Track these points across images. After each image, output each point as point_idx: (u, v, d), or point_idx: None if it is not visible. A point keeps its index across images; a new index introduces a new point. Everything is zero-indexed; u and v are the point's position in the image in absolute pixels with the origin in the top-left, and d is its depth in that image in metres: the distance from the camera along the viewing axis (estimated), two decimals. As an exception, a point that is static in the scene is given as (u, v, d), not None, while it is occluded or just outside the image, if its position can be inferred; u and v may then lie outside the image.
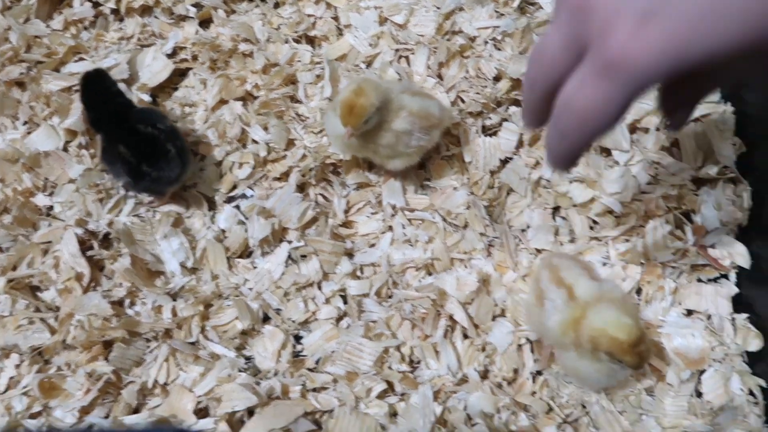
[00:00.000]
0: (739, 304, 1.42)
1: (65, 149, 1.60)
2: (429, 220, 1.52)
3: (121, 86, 1.60)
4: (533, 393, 1.35)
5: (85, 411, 1.30)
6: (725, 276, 1.45)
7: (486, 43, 1.69)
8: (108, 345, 1.38)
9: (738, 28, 0.60)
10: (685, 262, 1.43)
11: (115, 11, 1.79)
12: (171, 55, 1.73)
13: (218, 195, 1.56)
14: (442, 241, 1.48)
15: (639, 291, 1.45)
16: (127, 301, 1.44)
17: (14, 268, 1.46)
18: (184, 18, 1.80)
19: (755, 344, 1.37)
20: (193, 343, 1.40)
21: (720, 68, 0.73)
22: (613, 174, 1.51)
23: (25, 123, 1.65)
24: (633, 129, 1.57)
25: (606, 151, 1.56)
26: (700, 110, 1.53)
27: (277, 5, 1.81)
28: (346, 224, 1.55)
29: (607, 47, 0.65)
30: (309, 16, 1.78)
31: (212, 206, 1.57)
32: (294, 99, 1.67)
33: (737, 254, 1.43)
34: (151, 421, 1.30)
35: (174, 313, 1.41)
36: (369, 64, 1.71)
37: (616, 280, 1.43)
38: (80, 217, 1.49)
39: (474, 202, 1.50)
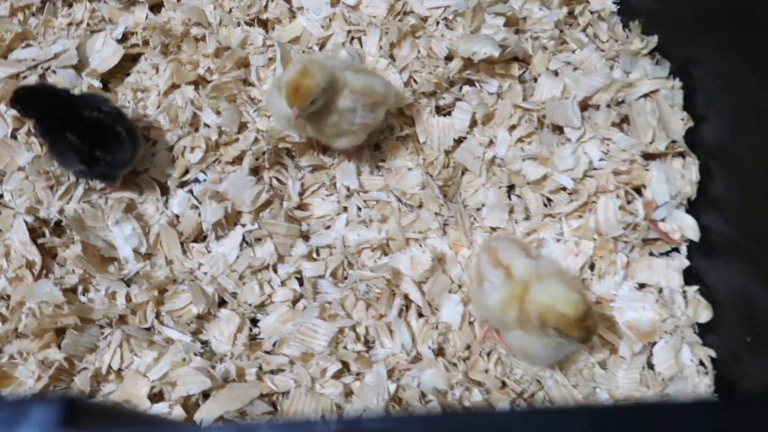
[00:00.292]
0: (689, 276, 1.44)
1: (13, 136, 1.58)
2: (384, 200, 1.52)
3: (70, 72, 1.58)
4: (486, 371, 1.36)
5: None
6: (676, 249, 1.47)
7: (437, 23, 1.69)
8: (61, 332, 1.37)
9: None
10: (636, 237, 1.44)
11: (64, -4, 1.77)
12: (121, 41, 1.72)
13: (171, 180, 1.55)
14: (397, 222, 1.49)
15: (592, 266, 1.47)
16: (80, 288, 1.43)
17: (-37, 258, 1.44)
18: (134, 2, 1.78)
19: (705, 315, 1.39)
20: (148, 329, 1.39)
21: None
22: (565, 151, 1.52)
23: (-28, 110, 1.62)
24: (584, 106, 1.58)
25: (558, 129, 1.57)
26: (649, 86, 1.55)
27: (229, -12, 1.80)
28: (301, 207, 1.54)
29: None
30: (261, -2, 1.77)
31: (165, 191, 1.56)
32: (247, 82, 1.66)
33: (687, 227, 1.45)
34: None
35: (128, 299, 1.40)
36: (322, 46, 1.70)
37: (569, 256, 1.44)
38: (30, 204, 1.47)
39: (428, 182, 1.50)
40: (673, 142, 1.49)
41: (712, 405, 0.84)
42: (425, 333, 1.38)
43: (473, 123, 1.60)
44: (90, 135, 1.42)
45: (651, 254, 1.47)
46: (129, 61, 1.73)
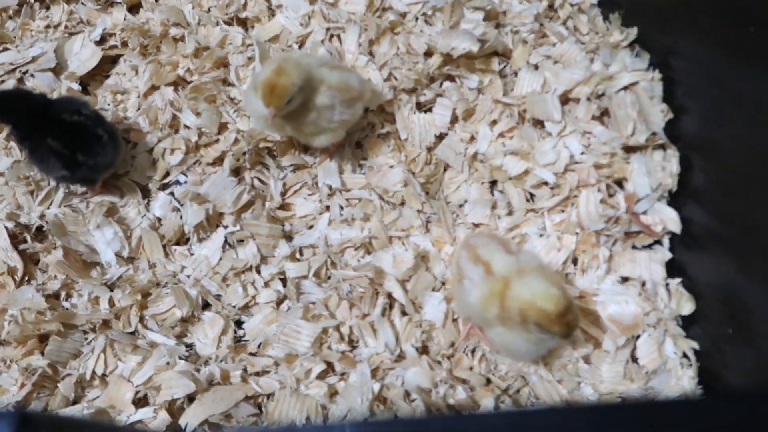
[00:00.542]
0: (672, 268, 1.44)
1: (-8, 141, 1.57)
2: (366, 199, 1.52)
3: (48, 76, 1.57)
4: (471, 368, 1.36)
5: (20, 406, 1.29)
6: (659, 242, 1.47)
7: (416, 18, 1.69)
8: (44, 339, 1.37)
9: None
10: (618, 230, 1.44)
11: (40, -1, 1.76)
12: (100, 42, 1.71)
13: (152, 182, 1.55)
14: (379, 220, 1.49)
15: (575, 260, 1.47)
16: (63, 294, 1.43)
17: (-56, 266, 1.44)
18: (112, 4, 1.77)
19: (688, 308, 1.39)
20: (132, 333, 1.39)
21: None
22: (546, 145, 1.53)
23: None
24: (565, 100, 1.58)
25: (539, 123, 1.57)
26: (629, 78, 1.55)
27: (207, -13, 1.79)
28: (284, 207, 1.54)
29: None
30: (239, -3, 1.76)
31: (146, 194, 1.55)
32: (226, 82, 1.66)
33: (669, 220, 1.45)
34: (90, 412, 1.29)
35: (111, 304, 1.40)
36: (301, 45, 1.70)
37: (551, 251, 1.45)
38: (11, 210, 1.47)
39: (410, 179, 1.50)
40: (654, 134, 1.49)
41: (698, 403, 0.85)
42: (409, 331, 1.38)
43: (454, 119, 1.60)
44: (71, 139, 1.41)
45: (633, 247, 1.47)
46: (108, 63, 1.72)
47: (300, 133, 1.45)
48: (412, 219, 1.49)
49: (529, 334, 1.19)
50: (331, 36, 1.69)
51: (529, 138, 1.55)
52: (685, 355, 1.36)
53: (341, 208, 1.52)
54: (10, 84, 1.62)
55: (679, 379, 1.33)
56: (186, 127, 1.59)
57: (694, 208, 1.42)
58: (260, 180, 1.55)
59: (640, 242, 1.47)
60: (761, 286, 1.20)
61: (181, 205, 1.50)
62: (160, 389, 1.30)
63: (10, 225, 1.44)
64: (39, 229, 1.47)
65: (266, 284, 1.45)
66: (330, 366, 1.34)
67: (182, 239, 1.51)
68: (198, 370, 1.32)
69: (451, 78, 1.64)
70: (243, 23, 1.76)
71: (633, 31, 1.63)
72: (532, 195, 1.53)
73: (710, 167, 1.41)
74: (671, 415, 0.75)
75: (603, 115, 1.57)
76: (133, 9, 1.79)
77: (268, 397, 1.32)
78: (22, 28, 1.72)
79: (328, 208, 1.53)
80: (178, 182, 1.56)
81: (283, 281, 1.45)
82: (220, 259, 1.46)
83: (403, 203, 1.51)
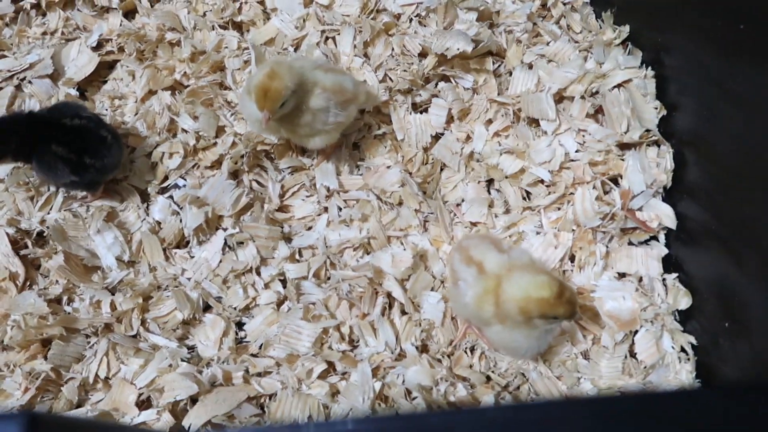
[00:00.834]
0: (668, 264, 1.46)
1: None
2: (364, 199, 1.53)
3: (46, 82, 1.58)
4: (470, 365, 1.37)
5: (25, 410, 1.29)
6: (655, 238, 1.49)
7: (410, 20, 1.70)
8: (47, 343, 1.37)
9: None
10: (614, 227, 1.46)
11: (36, 6, 1.77)
12: (96, 48, 1.72)
13: (151, 186, 1.56)
14: (377, 220, 1.50)
15: (572, 257, 1.48)
16: (64, 298, 1.43)
17: (-54, 272, 1.45)
18: (107, 9, 1.78)
19: (685, 302, 1.40)
20: (133, 336, 1.40)
21: None
22: (541, 144, 1.54)
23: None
24: (559, 98, 1.59)
25: (534, 122, 1.59)
26: (622, 76, 1.56)
27: (201, -8, 1.80)
28: (282, 208, 1.55)
29: None
30: (234, 1, 1.77)
31: (145, 198, 1.56)
32: (223, 86, 1.67)
33: (664, 215, 1.47)
34: (94, 415, 1.30)
35: (113, 307, 1.41)
36: (296, 47, 1.71)
37: (548, 249, 1.46)
38: (11, 216, 1.47)
39: (407, 180, 1.51)
40: (648, 131, 1.50)
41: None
42: (408, 330, 1.39)
43: (450, 119, 1.62)
44: (76, 143, 1.41)
45: (630, 243, 1.48)
46: (105, 68, 1.73)
47: (295, 135, 1.46)
48: (410, 219, 1.50)
49: (529, 330, 1.20)
50: (326, 38, 1.71)
51: (525, 137, 1.57)
52: (682, 350, 1.37)
53: (339, 209, 1.53)
54: (8, 91, 1.62)
55: (677, 374, 1.34)
56: (184, 130, 1.60)
57: (688, 203, 1.44)
58: (258, 182, 1.56)
59: (636, 238, 1.48)
60: (756, 280, 1.21)
61: (181, 208, 1.51)
62: (163, 391, 1.30)
63: (11, 231, 1.45)
64: (40, 234, 1.48)
65: (266, 285, 1.46)
66: (331, 366, 1.35)
67: (182, 242, 1.52)
68: (200, 372, 1.33)
69: (446, 78, 1.66)
70: (238, 27, 1.77)
71: (625, 29, 1.65)
72: (528, 193, 1.55)
73: (704, 163, 1.42)
74: (668, 407, 0.76)
75: (597, 113, 1.58)
76: (129, 14, 1.80)
77: (270, 398, 1.33)
78: (19, 35, 1.73)
79: (326, 209, 1.54)
80: (177, 186, 1.57)
81: (283, 282, 1.46)
82: (220, 262, 1.47)
83: (400, 203, 1.53)
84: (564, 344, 1.39)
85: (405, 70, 1.62)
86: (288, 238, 1.51)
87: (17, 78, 1.65)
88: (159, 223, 1.52)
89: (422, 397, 1.27)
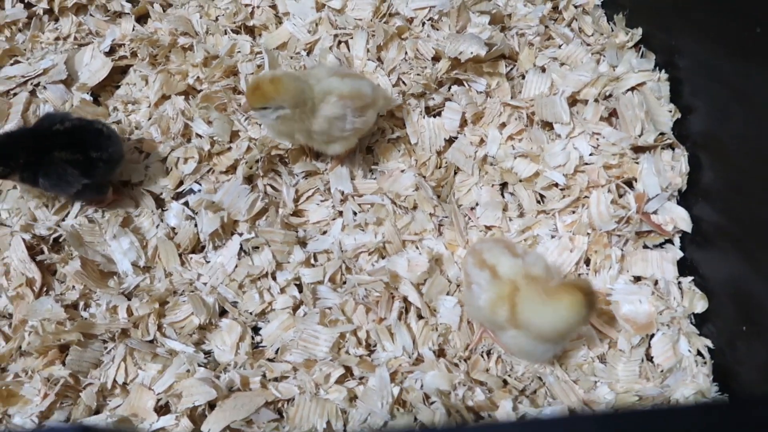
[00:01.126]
0: (684, 267, 1.46)
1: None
2: (378, 203, 1.53)
3: (60, 87, 1.59)
4: (487, 370, 1.38)
5: (44, 416, 1.30)
6: (670, 241, 1.49)
7: (423, 23, 1.70)
8: (64, 349, 1.38)
9: None
10: (629, 230, 1.46)
11: (49, 11, 1.77)
12: (109, 53, 1.72)
13: (165, 191, 1.56)
14: (392, 224, 1.50)
15: (587, 261, 1.48)
16: (81, 304, 1.44)
17: (-37, 279, 1.45)
18: (120, 14, 1.78)
19: (701, 305, 1.41)
20: (150, 341, 1.40)
21: None
22: (555, 147, 1.54)
23: (-35, 129, 1.62)
24: (573, 101, 1.60)
25: (547, 125, 1.59)
26: (635, 79, 1.57)
27: (213, -4, 1.80)
28: (297, 213, 1.55)
29: None
30: (246, 5, 1.77)
31: (160, 203, 1.57)
32: (236, 90, 1.67)
33: (679, 219, 1.47)
34: (112, 421, 1.30)
35: (129, 313, 1.41)
36: (309, 51, 1.71)
37: (564, 252, 1.46)
38: (27, 222, 1.47)
39: (421, 183, 1.51)
40: (662, 134, 1.50)
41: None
42: (425, 335, 1.39)
43: (463, 122, 1.62)
44: (77, 142, 1.41)
45: (645, 247, 1.49)
46: (118, 73, 1.73)
47: (313, 142, 1.47)
48: (425, 223, 1.50)
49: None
50: (339, 42, 1.71)
51: (539, 140, 1.57)
52: (699, 353, 1.37)
53: (354, 213, 1.53)
54: (22, 97, 1.62)
55: (695, 377, 1.34)
56: (198, 135, 1.60)
57: (704, 206, 1.44)
58: (273, 187, 1.57)
59: (651, 242, 1.49)
60: (773, 283, 1.22)
61: (196, 213, 1.51)
62: (181, 397, 1.30)
63: (27, 237, 1.45)
64: (56, 240, 1.48)
65: (282, 290, 1.46)
66: (348, 370, 1.36)
67: (198, 247, 1.52)
68: (218, 377, 1.33)
69: (459, 82, 1.66)
70: (251, 31, 1.77)
71: (638, 32, 1.65)
72: (542, 197, 1.55)
73: (719, 165, 1.42)
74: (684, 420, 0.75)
75: (611, 116, 1.59)
76: (142, 19, 1.80)
77: (288, 403, 1.33)
78: (32, 40, 1.73)
79: (341, 213, 1.54)
80: (191, 191, 1.57)
81: (299, 287, 1.47)
82: (236, 267, 1.47)
83: (415, 207, 1.53)
84: (581, 348, 1.39)
85: (418, 74, 1.62)
86: (303, 243, 1.51)
87: (31, 83, 1.65)
88: (174, 228, 1.52)
89: (441, 401, 1.27)
